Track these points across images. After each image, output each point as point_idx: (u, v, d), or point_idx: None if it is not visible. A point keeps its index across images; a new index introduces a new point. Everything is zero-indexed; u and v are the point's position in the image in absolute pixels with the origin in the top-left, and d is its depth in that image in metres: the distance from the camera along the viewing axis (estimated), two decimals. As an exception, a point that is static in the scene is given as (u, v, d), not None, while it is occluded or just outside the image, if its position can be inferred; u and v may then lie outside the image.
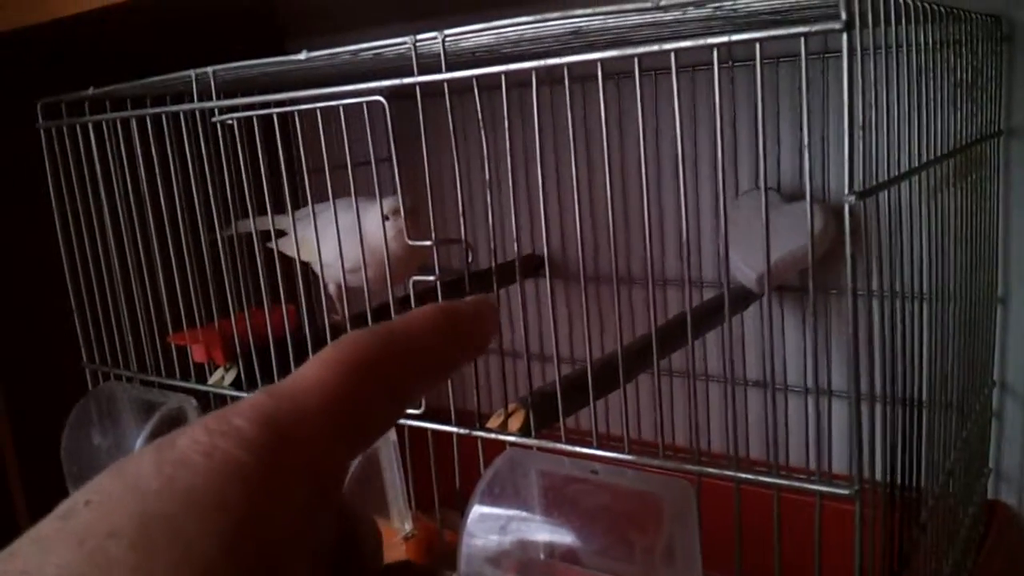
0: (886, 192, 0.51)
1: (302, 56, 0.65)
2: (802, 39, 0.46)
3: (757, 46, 0.48)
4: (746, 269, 0.87)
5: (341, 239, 0.70)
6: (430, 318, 0.23)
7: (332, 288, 0.85)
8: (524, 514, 0.58)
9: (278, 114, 0.71)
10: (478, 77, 0.57)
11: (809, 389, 0.95)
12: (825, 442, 0.56)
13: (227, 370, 0.78)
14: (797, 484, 0.50)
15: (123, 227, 0.86)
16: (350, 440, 0.21)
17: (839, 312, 0.95)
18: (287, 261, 0.78)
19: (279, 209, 0.80)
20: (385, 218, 0.70)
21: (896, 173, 0.52)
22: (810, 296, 0.48)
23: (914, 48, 0.56)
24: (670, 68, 0.51)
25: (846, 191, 0.45)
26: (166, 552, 0.16)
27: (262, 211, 0.75)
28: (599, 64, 0.53)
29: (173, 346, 0.84)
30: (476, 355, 0.25)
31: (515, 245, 0.63)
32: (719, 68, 0.50)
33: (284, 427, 0.19)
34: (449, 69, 0.58)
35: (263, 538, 0.17)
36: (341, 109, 0.64)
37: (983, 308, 0.81)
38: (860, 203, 0.46)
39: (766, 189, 0.52)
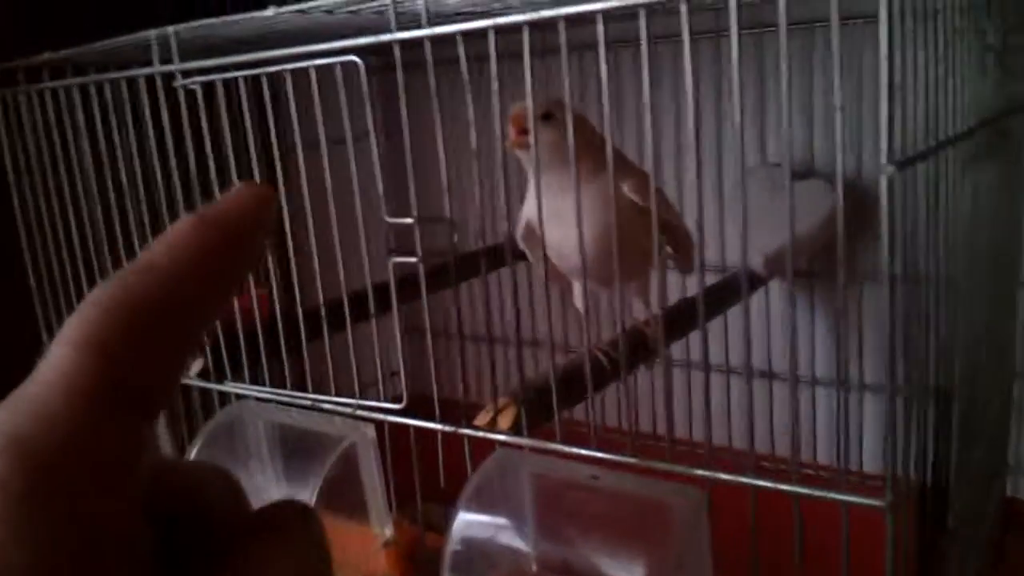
0: (921, 165, 0.45)
1: (270, 12, 0.59)
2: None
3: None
4: (752, 252, 0.82)
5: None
6: (182, 240, 0.19)
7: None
8: (515, 522, 0.53)
9: (247, 80, 0.65)
10: (464, 34, 0.51)
11: (819, 380, 0.89)
12: (847, 441, 0.51)
13: (193, 360, 0.72)
14: (821, 494, 0.45)
15: (84, 202, 0.80)
16: (129, 411, 0.17)
17: (851, 300, 0.90)
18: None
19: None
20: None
21: (932, 144, 0.47)
22: (840, 281, 0.43)
23: (947, 7, 0.50)
24: (668, 36, 0.45)
25: (883, 160, 0.39)
26: None
27: (230, 187, 0.69)
28: (599, 17, 0.47)
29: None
30: (251, 265, 0.21)
31: (506, 224, 0.57)
32: (721, 35, 0.44)
33: (31, 444, 0.16)
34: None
35: (25, 567, 0.15)
36: (313, 72, 0.58)
37: (1005, 293, 0.75)
38: (897, 174, 0.40)
39: (791, 163, 0.46)
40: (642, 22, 0.47)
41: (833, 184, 0.84)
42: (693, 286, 0.95)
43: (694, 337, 0.87)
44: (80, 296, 0.82)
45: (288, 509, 0.20)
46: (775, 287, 0.91)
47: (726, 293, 0.81)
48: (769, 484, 0.46)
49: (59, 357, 0.17)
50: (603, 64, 0.49)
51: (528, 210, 0.64)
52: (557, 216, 0.58)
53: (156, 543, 0.18)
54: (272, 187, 0.21)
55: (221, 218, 0.19)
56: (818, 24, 0.83)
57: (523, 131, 0.58)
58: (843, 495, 0.44)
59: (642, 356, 0.66)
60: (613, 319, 0.92)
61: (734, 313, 0.88)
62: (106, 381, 0.17)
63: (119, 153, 0.75)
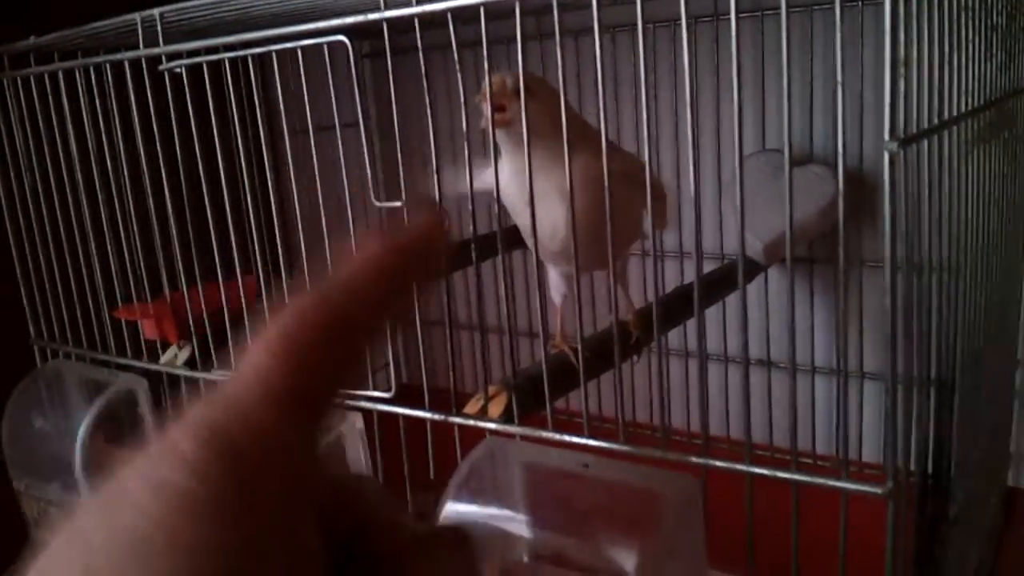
0: (925, 143, 0.44)
1: (256, -9, 0.57)
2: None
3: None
4: (751, 239, 0.80)
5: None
6: (373, 264, 0.20)
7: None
8: (506, 512, 0.52)
9: (232, 63, 0.63)
10: (453, 11, 0.50)
11: (818, 368, 0.88)
12: (846, 430, 0.49)
13: (180, 348, 0.71)
14: (820, 481, 0.43)
15: (69, 190, 0.79)
16: (311, 423, 0.19)
17: (850, 286, 0.88)
18: (241, 227, 0.71)
19: (238, 170, 0.72)
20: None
21: (935, 123, 0.45)
22: (840, 265, 0.41)
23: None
24: (666, 20, 0.43)
25: (886, 137, 0.38)
26: None
27: (218, 173, 0.68)
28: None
29: (124, 321, 0.76)
30: (433, 282, 0.22)
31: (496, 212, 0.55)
32: (720, 19, 0.43)
33: (231, 441, 0.17)
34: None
35: (224, 570, 0.16)
36: (300, 53, 0.57)
37: (1009, 281, 0.74)
38: (900, 152, 0.39)
39: (790, 149, 0.45)
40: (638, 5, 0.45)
41: (832, 170, 0.83)
42: (690, 274, 0.94)
43: (691, 325, 0.86)
44: (66, 283, 0.81)
45: (448, 533, 0.22)
46: (773, 274, 0.89)
47: (724, 280, 0.80)
48: (766, 471, 0.45)
49: (258, 362, 0.18)
50: (598, 46, 0.48)
51: (496, 184, 0.60)
52: (535, 196, 0.56)
53: (328, 553, 0.19)
54: (443, 217, 0.23)
55: (407, 247, 0.21)
56: (816, 7, 0.82)
57: (499, 108, 0.54)
58: (843, 482, 0.42)
59: (628, 351, 0.65)
60: (593, 310, 0.91)
61: (730, 301, 0.87)
62: (297, 388, 0.18)
63: (105, 139, 0.74)
